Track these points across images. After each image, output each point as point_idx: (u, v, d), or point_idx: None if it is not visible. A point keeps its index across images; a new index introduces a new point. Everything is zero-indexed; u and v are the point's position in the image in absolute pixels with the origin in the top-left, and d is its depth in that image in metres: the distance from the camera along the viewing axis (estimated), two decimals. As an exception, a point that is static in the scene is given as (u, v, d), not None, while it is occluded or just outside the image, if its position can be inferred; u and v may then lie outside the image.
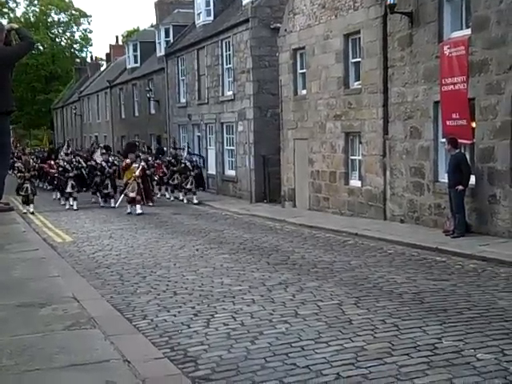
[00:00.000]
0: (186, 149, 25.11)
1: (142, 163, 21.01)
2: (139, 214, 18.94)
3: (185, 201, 23.57)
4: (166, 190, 25.39)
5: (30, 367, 3.55)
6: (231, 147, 25.45)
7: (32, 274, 5.79)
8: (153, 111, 35.12)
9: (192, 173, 23.14)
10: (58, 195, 24.43)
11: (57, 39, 69.24)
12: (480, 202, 12.61)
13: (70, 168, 22.41)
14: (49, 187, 27.79)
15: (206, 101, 27.27)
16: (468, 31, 12.94)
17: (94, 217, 19.07)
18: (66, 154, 24.07)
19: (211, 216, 19.00)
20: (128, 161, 20.58)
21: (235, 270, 10.00)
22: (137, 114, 38.20)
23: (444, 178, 13.53)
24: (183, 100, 30.36)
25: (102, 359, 3.72)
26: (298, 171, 20.04)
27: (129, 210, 19.69)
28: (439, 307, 7.34)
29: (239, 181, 24.39)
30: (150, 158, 24.09)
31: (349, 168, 17.63)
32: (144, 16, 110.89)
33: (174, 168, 24.04)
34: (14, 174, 23.84)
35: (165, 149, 29.43)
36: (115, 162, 23.96)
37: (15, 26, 7.87)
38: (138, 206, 19.49)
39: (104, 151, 24.22)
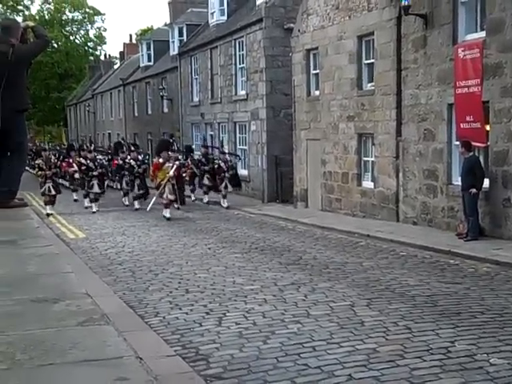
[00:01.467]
0: (220, 147, 23.02)
1: (177, 162, 19.20)
2: (168, 219, 17.25)
3: (204, 200, 21.95)
4: (192, 191, 22.98)
5: (43, 362, 3.56)
6: (244, 147, 25.45)
7: (46, 270, 5.80)
8: (166, 110, 35.20)
9: (227, 174, 21.22)
10: (76, 196, 22.87)
11: (71, 37, 69.52)
12: (494, 206, 12.54)
13: (93, 166, 20.46)
14: (70, 186, 25.36)
15: (219, 100, 27.29)
16: (483, 34, 12.86)
17: (107, 214, 19.12)
18: (90, 151, 21.76)
19: (223, 215, 19.02)
20: (161, 160, 18.53)
21: (247, 270, 10.01)
22: (150, 112, 38.31)
23: (457, 180, 13.46)
24: (196, 99, 30.42)
25: (115, 356, 3.72)
26: (310, 172, 20.01)
27: (168, 215, 17.50)
28: (452, 310, 7.30)
29: (251, 180, 24.39)
30: (180, 157, 21.95)
31: (361, 169, 17.59)
32: (158, 15, 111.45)
33: (206, 167, 22.06)
34: (35, 172, 21.74)
35: (193, 147, 27.19)
36: (145, 160, 22.28)
37: (31, 23, 7.92)
38: (167, 210, 17.66)
39: (133, 148, 22.45)
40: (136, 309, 7.15)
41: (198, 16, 33.04)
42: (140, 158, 21.89)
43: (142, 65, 40.19)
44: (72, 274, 5.91)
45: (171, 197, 17.81)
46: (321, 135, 19.09)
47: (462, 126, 13.24)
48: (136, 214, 19.26)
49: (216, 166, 21.42)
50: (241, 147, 25.84)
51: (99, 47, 71.38)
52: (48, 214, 18.22)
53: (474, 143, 12.69)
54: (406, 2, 14.13)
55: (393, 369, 5.38)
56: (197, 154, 24.41)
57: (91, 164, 20.42)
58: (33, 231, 7.71)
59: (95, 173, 20.19)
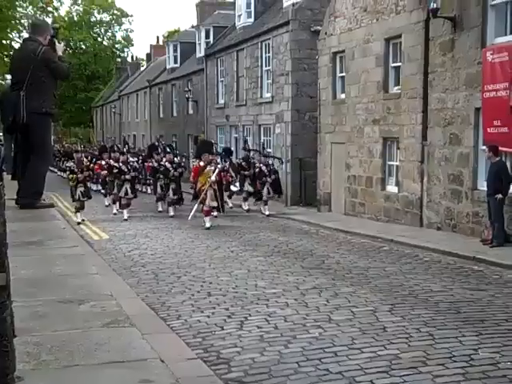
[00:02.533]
0: (261, 150, 21.48)
1: (220, 166, 17.78)
2: (208, 229, 15.80)
3: (244, 207, 20.56)
4: (229, 197, 21.27)
5: (69, 363, 3.63)
6: (268, 150, 25.45)
7: (72, 271, 5.89)
8: (191, 111, 35.38)
9: (268, 179, 19.67)
10: (108, 201, 21.14)
11: (99, 38, 70.29)
12: (520, 212, 12.38)
13: (126, 169, 18.87)
14: (102, 190, 23.51)
15: (244, 102, 27.35)
16: (512, 37, 12.73)
17: (130, 215, 19.16)
18: (122, 153, 20.12)
19: (247, 218, 19.03)
20: (201, 163, 16.77)
21: (269, 273, 10.02)
22: (175, 114, 38.54)
23: (483, 185, 13.32)
24: (221, 101, 30.52)
25: (140, 358, 3.77)
26: (334, 175, 19.97)
27: (208, 224, 16.03)
28: (476, 318, 7.24)
29: (275, 183, 24.33)
30: (218, 160, 19.79)
31: (386, 173, 17.50)
32: (185, 17, 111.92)
33: (246, 172, 20.59)
34: (66, 175, 19.85)
35: (232, 149, 25.62)
36: (182, 163, 20.82)
37: (62, 48, 8.14)
38: (207, 218, 16.20)
39: (168, 150, 20.78)
40: (158, 311, 7.21)
41: (225, 18, 33.16)
42: (176, 160, 20.37)
43: (168, 67, 40.46)
44: (97, 275, 6.00)
45: (213, 203, 16.31)
46: (345, 139, 19.04)
47: (489, 130, 13.10)
48: (158, 215, 19.32)
49: (257, 170, 20.06)
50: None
51: (126, 49, 72.08)
52: (79, 223, 16.50)
53: (501, 148, 12.55)
54: (435, 5, 14.03)
55: (415, 375, 5.36)
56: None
57: (123, 167, 18.86)
58: (59, 232, 7.83)
59: (128, 176, 18.68)
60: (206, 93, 32.06)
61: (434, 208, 15.21)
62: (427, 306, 7.78)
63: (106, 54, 68.53)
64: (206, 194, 16.18)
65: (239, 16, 29.15)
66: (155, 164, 20.66)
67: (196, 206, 16.75)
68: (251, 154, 21.71)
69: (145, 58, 61.34)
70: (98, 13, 69.78)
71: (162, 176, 19.56)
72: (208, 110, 32.11)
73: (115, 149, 22.51)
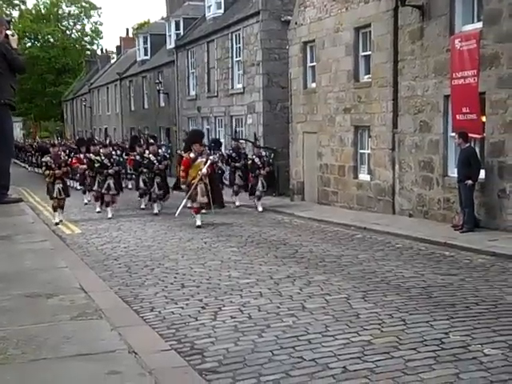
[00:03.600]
0: (254, 141, 19.83)
1: (211, 157, 16.14)
2: (198, 227, 14.43)
3: (236, 202, 19.34)
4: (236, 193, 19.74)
5: (36, 357, 3.58)
6: (241, 140, 25.38)
7: (40, 265, 5.81)
8: (162, 104, 35.17)
9: (262, 171, 18.23)
10: (89, 198, 20.16)
11: (67, 32, 69.37)
12: (489, 197, 12.55)
13: (109, 164, 17.51)
14: (79, 187, 22.63)
15: (216, 94, 27.26)
16: (479, 25, 12.84)
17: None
18: (105, 146, 18.73)
19: (239, 215, 18.70)
20: (192, 154, 15.09)
21: (243, 263, 10.01)
22: (146, 106, 38.27)
23: (453, 172, 13.47)
24: (193, 93, 30.38)
25: (108, 349, 3.73)
26: (306, 165, 20.01)
27: (199, 223, 14.61)
28: (447, 302, 7.32)
29: (248, 174, 24.32)
30: (208, 151, 18.43)
31: (358, 162, 17.59)
32: (154, 8, 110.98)
33: (237, 164, 19.41)
34: (42, 171, 18.11)
35: (222, 141, 24.12)
36: (166, 154, 19.63)
37: (16, 39, 8.00)
38: (198, 216, 14.80)
39: (152, 141, 19.54)
40: (131, 304, 7.16)
41: (195, 9, 32.98)
42: (161, 151, 19.12)
43: (138, 59, 40.12)
44: (67, 269, 5.92)
45: (203, 199, 14.73)
46: (317, 128, 19.08)
47: (458, 117, 13.23)
48: (132, 209, 19.08)
49: (249, 162, 18.62)
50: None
51: (96, 41, 71.27)
52: (57, 223, 15.32)
53: (470, 134, 12.68)
54: (403, -6, 14.10)
55: (387, 360, 5.39)
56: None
57: (106, 161, 17.46)
58: (28, 226, 7.72)
59: (111, 171, 17.26)
60: (177, 85, 31.88)
61: (405, 195, 15.35)
62: (399, 292, 7.84)
63: (75, 47, 67.64)
64: (196, 188, 14.71)
65: (209, 7, 29.01)
66: (137, 157, 19.07)
67: (184, 201, 15.33)
68: (242, 144, 20.82)
69: (115, 51, 60.69)
70: (66, 5, 68.84)
71: (145, 170, 18.16)
72: (179, 102, 31.95)
73: (95, 141, 21.17)
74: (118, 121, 43.58)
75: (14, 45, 7.79)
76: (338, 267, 9.59)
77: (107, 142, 21.52)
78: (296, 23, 20.20)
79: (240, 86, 24.98)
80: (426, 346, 5.74)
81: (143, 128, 36.91)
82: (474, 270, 9.29)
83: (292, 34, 20.54)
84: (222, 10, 27.95)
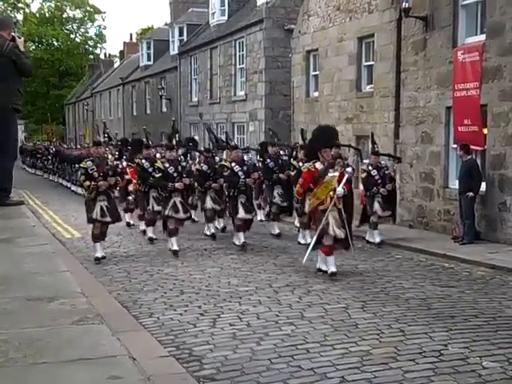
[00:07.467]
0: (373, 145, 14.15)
1: (349, 169, 10.24)
2: (333, 275, 9.44)
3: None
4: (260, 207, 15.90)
5: (37, 360, 3.59)
6: (242, 148, 25.43)
7: (41, 269, 5.82)
8: (164, 109, 35.20)
9: (382, 189, 12.93)
10: (129, 218, 15.50)
11: (71, 35, 69.55)
12: (490, 209, 12.55)
13: (175, 174, 11.94)
14: (80, 191, 18.37)
15: (218, 100, 27.31)
16: (483, 37, 12.88)
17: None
18: (170, 148, 12.66)
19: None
20: (318, 165, 9.79)
21: (242, 271, 10.01)
22: (148, 111, 38.30)
23: (454, 184, 13.48)
24: (195, 99, 30.43)
25: (109, 355, 3.74)
26: (307, 173, 19.96)
27: (333, 269, 9.52)
28: (446, 314, 7.32)
29: (249, 181, 24.30)
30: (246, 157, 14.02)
31: (359, 172, 17.56)
32: (158, 14, 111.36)
33: (280, 175, 14.09)
34: (80, 180, 12.19)
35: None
36: (255, 162, 14.90)
37: (23, 43, 8.04)
38: (331, 260, 9.61)
39: (234, 145, 14.36)
40: (130, 309, 7.16)
41: (199, 16, 33.05)
42: (246, 158, 14.16)
43: (141, 64, 40.19)
44: (68, 273, 5.94)
45: (339, 233, 9.62)
46: (319, 137, 19.05)
47: (459, 129, 13.26)
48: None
49: (363, 175, 13.72)
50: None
51: (99, 46, 71.48)
52: (97, 259, 10.87)
53: (471, 146, 12.69)
54: (407, 5, 14.15)
55: (385, 371, 5.40)
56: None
57: (171, 169, 11.94)
58: (29, 230, 7.73)
59: (178, 185, 11.70)
60: (180, 90, 31.94)
61: (406, 206, 15.35)
62: (398, 303, 7.84)
63: (79, 51, 67.81)
64: (327, 218, 9.59)
65: (213, 14, 29.08)
66: (204, 167, 14.28)
67: (313, 240, 9.81)
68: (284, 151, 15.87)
69: (118, 55, 60.81)
70: (71, 9, 69.06)
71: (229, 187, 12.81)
72: (182, 108, 31.98)
73: (150, 143, 15.18)
74: (120, 125, 43.61)
75: (21, 47, 7.83)
76: (337, 277, 9.58)
77: (173, 142, 15.83)
78: (299, 32, 20.27)
79: (242, 93, 25.03)
80: (425, 357, 5.75)
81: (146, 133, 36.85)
82: (474, 282, 9.29)
83: (295, 43, 20.60)
84: (225, 17, 28.04)
